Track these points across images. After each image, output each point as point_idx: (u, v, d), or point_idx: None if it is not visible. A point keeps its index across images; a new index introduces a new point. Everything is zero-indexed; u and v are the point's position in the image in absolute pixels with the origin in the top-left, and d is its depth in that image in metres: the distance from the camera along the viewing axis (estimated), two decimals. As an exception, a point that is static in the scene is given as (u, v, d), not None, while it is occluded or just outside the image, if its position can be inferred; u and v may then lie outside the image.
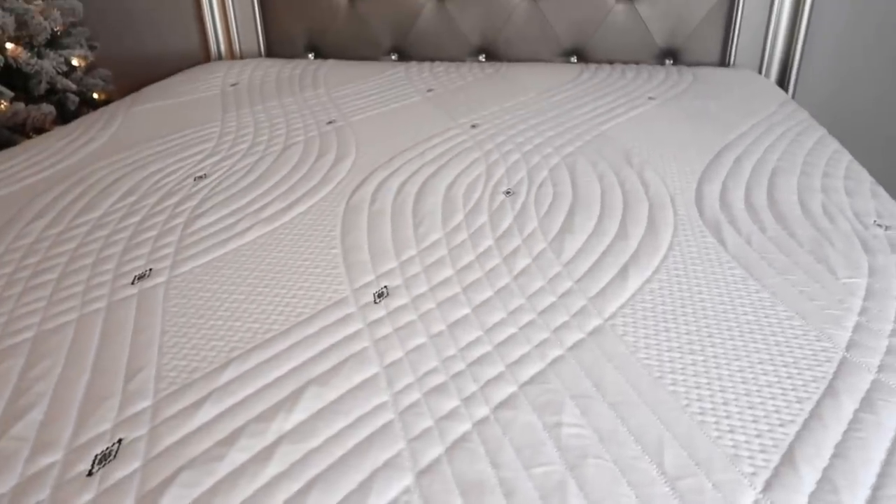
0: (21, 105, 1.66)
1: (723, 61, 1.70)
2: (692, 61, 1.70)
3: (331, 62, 1.81)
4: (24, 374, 0.60)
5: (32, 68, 1.69)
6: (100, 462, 0.50)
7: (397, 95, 1.45)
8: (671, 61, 1.72)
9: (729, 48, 1.69)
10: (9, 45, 1.65)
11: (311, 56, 1.94)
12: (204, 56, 2.06)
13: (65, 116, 1.80)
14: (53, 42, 1.79)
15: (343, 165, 1.06)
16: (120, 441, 0.52)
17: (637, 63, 1.71)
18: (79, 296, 0.72)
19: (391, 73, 1.64)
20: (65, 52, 1.80)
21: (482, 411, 0.54)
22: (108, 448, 0.51)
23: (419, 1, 1.79)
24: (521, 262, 0.76)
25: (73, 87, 1.80)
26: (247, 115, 1.34)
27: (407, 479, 0.48)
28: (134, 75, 2.10)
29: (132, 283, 0.74)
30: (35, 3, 1.71)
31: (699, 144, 1.11)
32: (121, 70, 2.07)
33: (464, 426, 0.53)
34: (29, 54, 1.69)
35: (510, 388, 0.56)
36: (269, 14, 1.92)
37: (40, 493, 0.48)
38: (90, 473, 0.49)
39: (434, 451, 0.50)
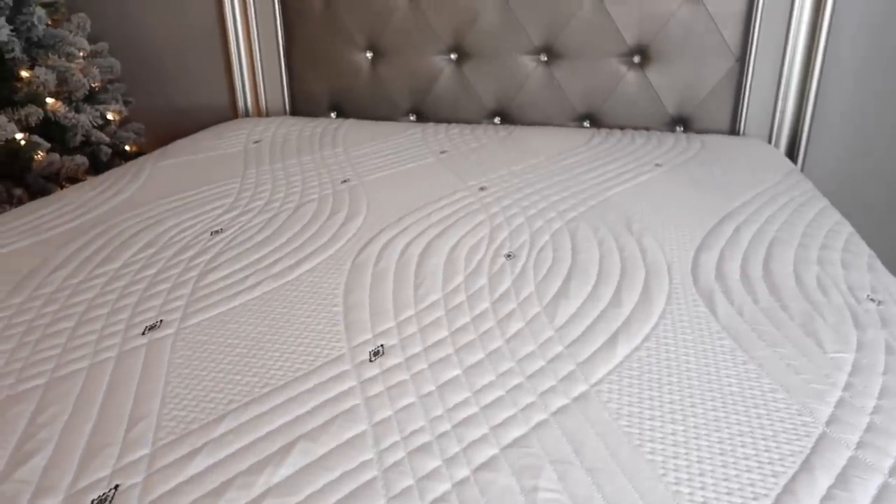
0: (56, 156, 1.75)
1: (733, 129, 1.74)
2: (702, 129, 1.74)
3: (350, 121, 1.88)
4: (32, 419, 0.63)
5: (70, 122, 1.79)
6: (97, 506, 0.53)
7: (412, 156, 1.51)
8: (681, 128, 1.77)
9: (739, 117, 1.73)
10: (49, 100, 1.75)
11: (333, 115, 2.02)
12: (232, 112, 2.16)
13: (97, 167, 1.89)
14: (91, 97, 1.89)
15: (353, 224, 1.10)
16: (116, 487, 0.55)
17: (648, 129, 1.75)
18: (92, 344, 0.76)
19: (408, 134, 1.71)
20: (101, 107, 1.90)
21: (462, 472, 0.56)
22: (104, 494, 0.54)
23: (438, 65, 1.87)
24: (515, 326, 0.78)
25: (107, 139, 1.89)
26: (266, 173, 1.40)
27: (384, 537, 0.50)
28: (165, 128, 2.20)
29: (143, 334, 0.78)
30: (77, 61, 1.82)
31: (701, 212, 1.13)
32: (153, 123, 2.17)
33: (444, 486, 0.54)
34: (67, 108, 1.79)
35: (492, 451, 0.58)
36: (295, 73, 2.01)
37: (37, 535, 0.51)
38: (85, 518, 0.52)
39: (413, 510, 0.52)
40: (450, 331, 0.77)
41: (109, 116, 1.93)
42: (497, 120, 1.89)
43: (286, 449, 0.58)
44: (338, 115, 2.01)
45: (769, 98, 1.70)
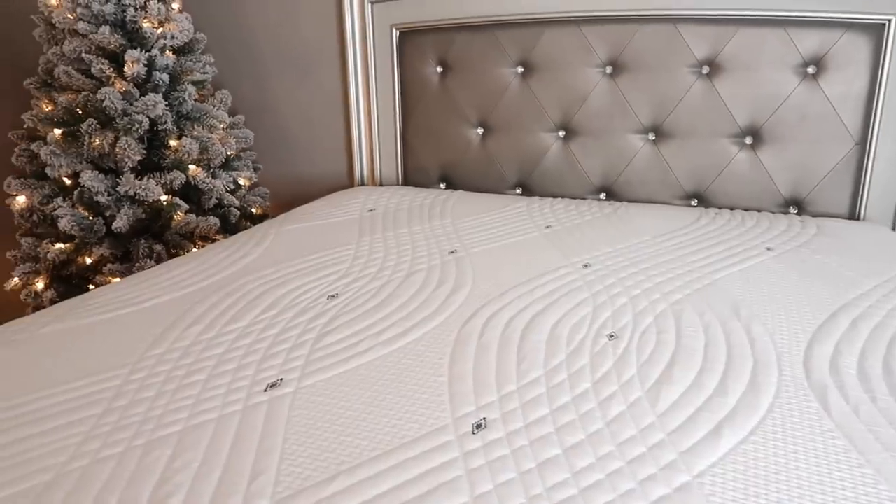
0: (193, 216, 1.92)
1: (852, 214, 1.68)
2: (818, 212, 1.69)
3: (459, 193, 1.96)
4: (169, 464, 0.70)
5: (207, 186, 1.97)
6: (221, 552, 0.58)
7: (517, 230, 1.56)
8: (795, 211, 1.72)
9: (859, 201, 1.67)
10: (191, 167, 1.95)
11: (442, 185, 2.11)
12: (349, 180, 2.30)
13: (227, 227, 2.06)
14: (226, 164, 2.08)
15: (458, 296, 1.15)
16: (239, 536, 0.60)
17: (759, 210, 1.72)
18: (220, 398, 0.84)
19: (514, 207, 1.76)
20: (234, 173, 2.09)
21: (560, 554, 0.57)
22: (228, 540, 0.59)
23: (546, 142, 1.93)
24: (616, 409, 0.79)
25: (237, 202, 2.07)
26: (378, 241, 1.48)
27: None
28: (287, 193, 2.38)
29: (265, 391, 0.85)
30: (217, 132, 2.02)
31: (815, 301, 1.10)
32: (276, 188, 2.35)
33: (541, 567, 0.56)
34: (206, 174, 1.97)
35: (590, 535, 0.59)
36: (409, 146, 2.13)
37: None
38: (212, 561, 0.57)
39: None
40: (550, 408, 0.79)
41: (241, 182, 2.12)
42: (602, 196, 1.92)
43: (393, 513, 0.62)
44: (447, 187, 2.10)
45: (892, 182, 1.63)
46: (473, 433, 0.75)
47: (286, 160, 2.38)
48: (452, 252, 1.39)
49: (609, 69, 1.82)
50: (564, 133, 1.91)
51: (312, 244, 1.46)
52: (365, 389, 0.85)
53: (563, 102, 1.88)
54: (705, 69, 1.72)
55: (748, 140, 1.72)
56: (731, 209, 1.73)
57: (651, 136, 1.82)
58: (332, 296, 1.17)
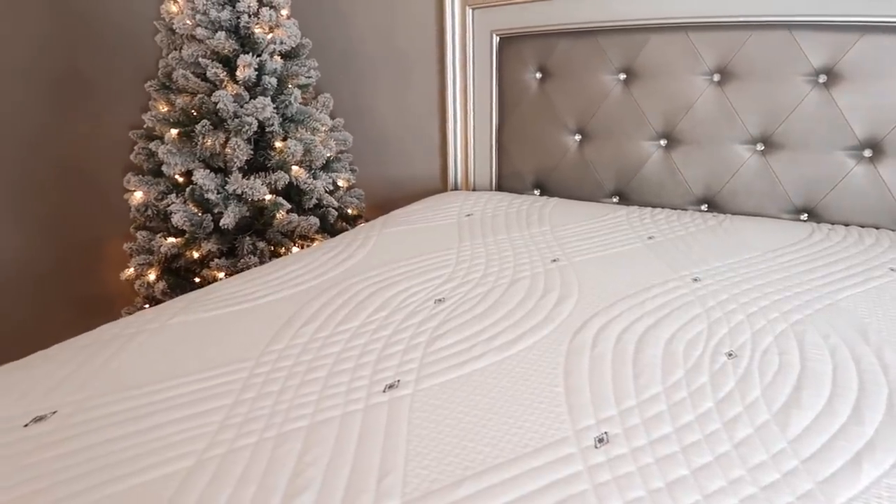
0: (295, 216, 1.99)
1: (983, 234, 1.56)
2: (944, 231, 1.59)
3: (554, 200, 1.95)
4: (300, 457, 0.73)
5: (308, 186, 2.03)
6: (358, 548, 0.60)
7: (618, 240, 1.53)
8: (918, 229, 1.62)
9: None
10: (294, 168, 2.01)
11: (536, 192, 2.10)
12: (442, 184, 2.33)
13: (325, 227, 2.12)
14: (326, 165, 2.14)
15: (566, 305, 1.14)
16: (374, 533, 0.61)
17: (876, 227, 1.63)
18: (342, 395, 0.86)
19: (612, 217, 1.73)
20: (333, 175, 2.15)
21: (700, 579, 0.56)
22: (364, 537, 0.61)
23: (646, 150, 1.89)
24: (743, 431, 0.77)
25: (336, 203, 2.12)
26: (479, 246, 1.49)
27: None
28: (381, 195, 2.43)
29: (383, 391, 0.87)
30: (318, 134, 2.08)
31: (950, 328, 1.03)
32: (370, 189, 2.40)
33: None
34: (307, 175, 2.04)
35: (729, 561, 0.58)
36: (504, 151, 2.13)
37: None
38: (351, 557, 0.59)
39: None
40: (674, 427, 0.78)
41: (340, 183, 2.18)
42: (704, 207, 1.86)
43: (523, 523, 0.62)
44: (541, 193, 2.09)
45: None
46: (596, 447, 0.74)
47: (381, 163, 2.43)
48: (555, 260, 1.38)
49: (717, 77, 1.76)
50: (666, 142, 1.87)
51: (414, 247, 1.48)
52: (481, 395, 0.86)
53: (666, 110, 1.84)
54: (822, 78, 1.64)
55: (867, 153, 1.64)
56: (846, 225, 1.65)
57: (759, 147, 1.75)
58: (439, 300, 1.18)
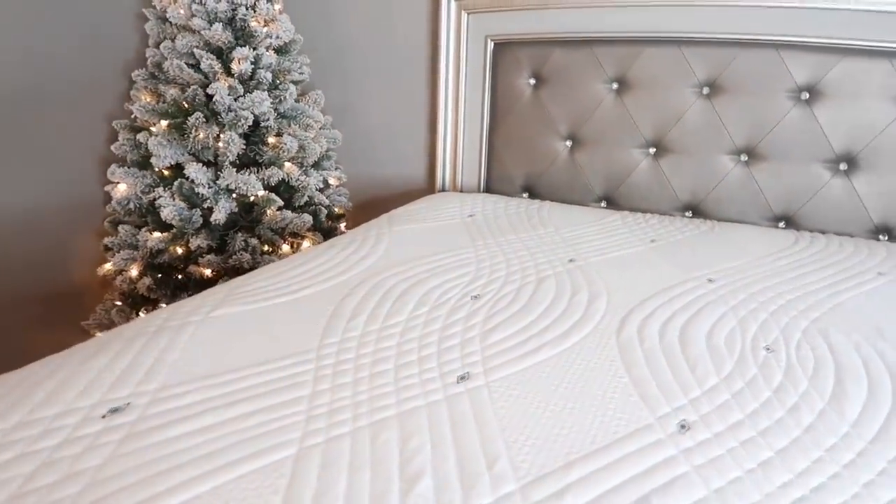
0: (289, 213, 1.97)
1: (945, 243, 1.71)
2: (911, 240, 1.73)
3: (548, 203, 2.00)
4: (402, 445, 0.74)
5: (300, 183, 2.01)
6: (495, 529, 0.62)
7: (622, 242, 1.59)
8: (885, 237, 1.76)
9: (950, 231, 1.70)
10: (287, 164, 1.99)
11: (524, 195, 2.15)
12: (428, 185, 2.34)
13: (315, 225, 2.10)
14: (317, 163, 2.12)
15: (599, 304, 1.18)
16: (505, 514, 0.63)
17: (851, 236, 1.75)
18: (417, 386, 0.87)
19: (609, 220, 1.80)
20: (324, 173, 2.13)
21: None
22: (497, 518, 0.63)
23: (635, 158, 1.97)
24: (806, 418, 0.83)
25: (326, 201, 2.11)
26: (493, 245, 1.52)
27: None
28: (363, 195, 2.42)
29: (457, 383, 0.89)
30: (311, 131, 2.06)
31: (948, 326, 1.13)
32: (353, 189, 2.40)
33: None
34: (300, 171, 2.02)
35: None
36: (495, 155, 2.17)
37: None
38: (491, 537, 0.61)
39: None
40: (744, 414, 0.83)
41: (331, 181, 2.16)
42: (689, 213, 1.96)
43: (644, 500, 0.65)
44: (530, 196, 2.14)
45: None
46: (681, 433, 0.78)
47: (365, 162, 2.42)
48: (571, 260, 1.43)
49: (706, 90, 1.86)
50: (655, 150, 1.95)
51: (430, 246, 1.50)
52: (553, 387, 0.88)
53: (656, 120, 1.93)
54: (805, 95, 1.76)
55: (843, 166, 1.76)
56: (823, 233, 1.77)
57: (744, 158, 1.86)
58: (475, 296, 1.21)
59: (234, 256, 1.91)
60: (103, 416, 0.78)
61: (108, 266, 2.03)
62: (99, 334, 2.04)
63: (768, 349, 1.02)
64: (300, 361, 0.93)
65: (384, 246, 1.49)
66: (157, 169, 1.94)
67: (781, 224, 1.86)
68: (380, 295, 1.19)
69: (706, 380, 0.91)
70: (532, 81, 2.07)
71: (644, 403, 0.85)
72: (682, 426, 0.80)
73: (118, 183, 1.97)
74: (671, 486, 0.68)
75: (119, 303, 2.09)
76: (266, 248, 1.99)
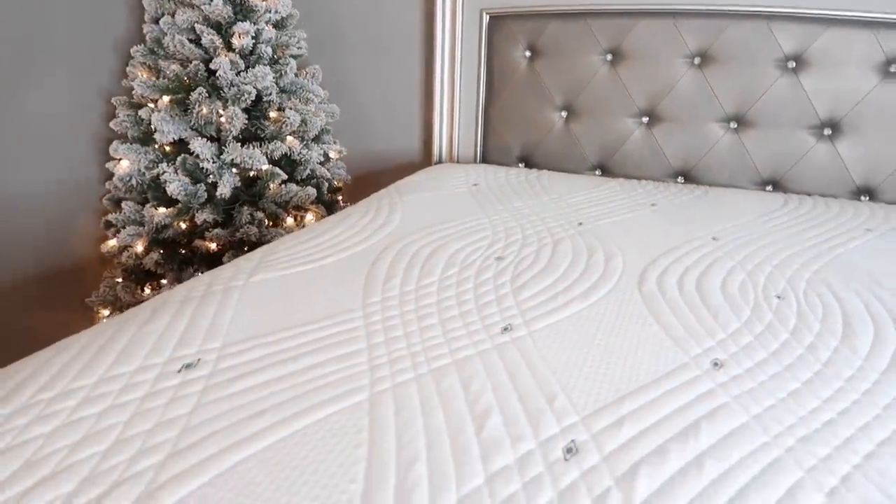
0: (294, 186, 2.00)
1: (922, 202, 1.82)
2: (890, 200, 1.83)
3: (546, 172, 2.07)
4: (465, 387, 0.80)
5: (303, 157, 2.04)
6: (567, 452, 0.68)
7: (625, 206, 1.67)
8: (867, 198, 1.86)
9: (927, 191, 1.81)
10: (289, 138, 2.02)
11: (520, 165, 2.21)
12: (424, 157, 2.39)
13: (318, 198, 2.13)
14: (317, 138, 2.15)
15: (616, 262, 1.25)
16: (573, 441, 0.70)
17: (835, 197, 1.85)
18: (465, 337, 0.93)
19: (607, 187, 1.87)
20: (324, 146, 2.16)
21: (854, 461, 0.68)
22: (567, 445, 0.69)
23: (629, 127, 2.04)
24: (824, 354, 0.91)
25: (328, 174, 2.14)
26: (504, 212, 1.58)
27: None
28: (359, 168, 2.45)
29: (501, 333, 0.95)
30: (311, 105, 2.08)
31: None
32: (350, 163, 2.42)
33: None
34: (301, 145, 2.04)
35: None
36: (490, 127, 2.22)
37: (533, 468, 0.66)
38: (565, 459, 0.67)
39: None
40: (768, 353, 0.91)
41: (332, 154, 2.19)
42: (680, 179, 2.04)
43: (695, 425, 0.72)
44: (526, 166, 2.20)
45: (959, 175, 1.78)
46: (715, 370, 0.86)
47: (361, 135, 2.45)
48: (580, 224, 1.49)
49: (698, 60, 1.93)
50: (648, 119, 2.02)
51: (444, 213, 1.55)
52: (591, 335, 0.95)
53: (649, 90, 1.99)
54: (791, 64, 1.84)
55: (826, 132, 1.86)
56: (809, 195, 1.87)
57: (733, 125, 1.94)
58: (499, 258, 1.26)
59: (241, 230, 1.93)
60: (178, 371, 0.82)
61: (112, 242, 2.04)
62: (107, 315, 2.05)
63: (779, 297, 1.10)
64: (348, 319, 0.98)
65: (399, 215, 1.54)
66: (159, 145, 1.95)
67: (769, 188, 1.95)
68: (407, 259, 1.24)
69: (729, 325, 0.99)
70: (527, 54, 2.11)
71: (677, 346, 0.92)
72: (716, 364, 0.87)
73: (120, 159, 1.97)
74: (715, 413, 0.75)
75: (120, 280, 2.10)
76: (268, 222, 2.01)
